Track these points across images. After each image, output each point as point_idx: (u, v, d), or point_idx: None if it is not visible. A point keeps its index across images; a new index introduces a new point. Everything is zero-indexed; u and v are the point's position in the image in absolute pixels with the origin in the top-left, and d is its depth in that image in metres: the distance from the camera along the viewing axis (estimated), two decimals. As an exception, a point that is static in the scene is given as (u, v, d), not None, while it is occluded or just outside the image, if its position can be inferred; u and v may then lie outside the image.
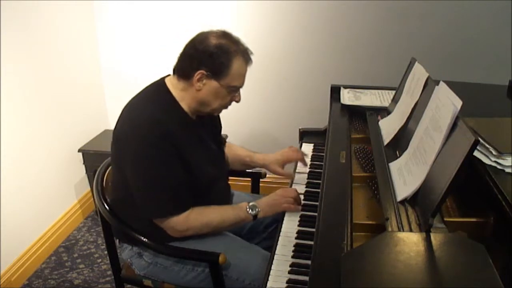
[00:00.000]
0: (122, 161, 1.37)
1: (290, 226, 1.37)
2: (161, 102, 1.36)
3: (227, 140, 2.71)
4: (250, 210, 1.42)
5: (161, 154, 1.29)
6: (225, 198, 1.60)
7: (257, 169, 1.81)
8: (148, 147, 1.29)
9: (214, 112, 1.43)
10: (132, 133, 1.31)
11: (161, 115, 1.32)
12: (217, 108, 1.40)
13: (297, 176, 1.68)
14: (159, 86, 1.40)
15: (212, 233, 1.45)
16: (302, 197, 1.51)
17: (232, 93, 1.38)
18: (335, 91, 1.98)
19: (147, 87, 1.43)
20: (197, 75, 1.31)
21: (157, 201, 1.34)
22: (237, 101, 1.42)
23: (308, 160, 1.77)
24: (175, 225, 1.36)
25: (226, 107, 1.43)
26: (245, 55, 1.35)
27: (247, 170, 1.82)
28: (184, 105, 1.38)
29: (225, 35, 1.35)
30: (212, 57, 1.30)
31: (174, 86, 1.38)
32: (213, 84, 1.33)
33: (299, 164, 1.73)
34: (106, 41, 2.70)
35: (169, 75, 1.43)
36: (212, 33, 1.34)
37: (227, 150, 1.74)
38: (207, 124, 1.51)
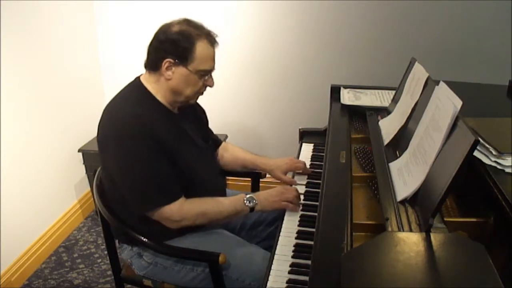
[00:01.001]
0: (107, 162, 1.38)
1: (290, 226, 1.37)
2: (138, 98, 1.38)
3: (227, 140, 2.72)
4: (248, 202, 1.42)
5: (143, 147, 1.30)
6: (218, 196, 1.59)
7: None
8: (129, 142, 1.30)
9: (189, 100, 1.43)
10: (113, 132, 1.33)
11: (139, 110, 1.33)
12: (190, 95, 1.40)
13: (297, 176, 1.68)
14: (134, 84, 1.43)
15: (209, 224, 1.44)
16: (302, 197, 1.51)
17: (203, 78, 1.39)
18: (335, 91, 1.98)
19: (123, 88, 1.45)
20: (165, 64, 1.34)
21: (146, 193, 1.34)
22: (211, 86, 1.42)
23: (308, 160, 1.77)
24: (169, 215, 1.36)
25: (201, 93, 1.44)
26: (209, 37, 1.37)
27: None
28: (161, 98, 1.40)
29: (186, 21, 1.37)
30: (175, 44, 1.32)
31: (147, 81, 1.40)
32: (181, 70, 1.34)
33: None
34: (106, 41, 2.70)
35: (142, 74, 1.45)
36: (174, 22, 1.37)
37: (226, 152, 1.74)
38: (191, 118, 1.52)
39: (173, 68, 1.34)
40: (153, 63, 1.37)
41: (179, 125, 1.44)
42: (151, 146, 1.30)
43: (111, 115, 1.37)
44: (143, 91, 1.39)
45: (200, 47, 1.34)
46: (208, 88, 1.44)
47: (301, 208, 1.45)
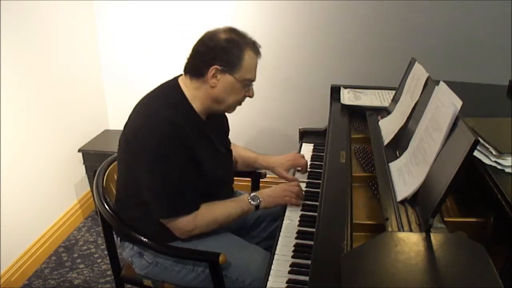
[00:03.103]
0: (134, 161, 1.36)
1: (290, 226, 1.37)
2: (174, 102, 1.36)
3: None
4: (252, 201, 1.43)
5: (175, 155, 1.29)
6: (229, 197, 1.59)
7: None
8: (163, 148, 1.28)
9: (228, 109, 1.43)
10: (146, 134, 1.31)
11: (175, 116, 1.31)
12: (231, 104, 1.39)
13: (297, 174, 1.68)
14: (172, 86, 1.40)
15: (217, 228, 1.45)
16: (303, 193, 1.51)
17: (246, 88, 1.38)
18: (335, 91, 1.98)
19: (160, 86, 1.43)
20: (211, 70, 1.31)
21: (169, 201, 1.34)
22: (251, 96, 1.41)
23: (308, 160, 1.77)
24: (183, 225, 1.36)
25: (240, 104, 1.43)
26: (255, 47, 1.36)
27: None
28: (197, 105, 1.37)
29: (232, 30, 1.36)
30: (225, 51, 1.30)
31: (186, 86, 1.37)
32: (227, 79, 1.33)
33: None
34: (106, 41, 2.70)
35: (181, 75, 1.42)
36: (220, 30, 1.35)
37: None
38: (216, 126, 1.51)
39: (219, 76, 1.32)
40: (197, 69, 1.33)
41: (206, 132, 1.43)
42: (182, 152, 1.30)
43: (145, 116, 1.35)
44: (179, 94, 1.37)
45: (248, 55, 1.33)
46: None
47: (301, 208, 1.45)
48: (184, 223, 1.35)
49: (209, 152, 1.42)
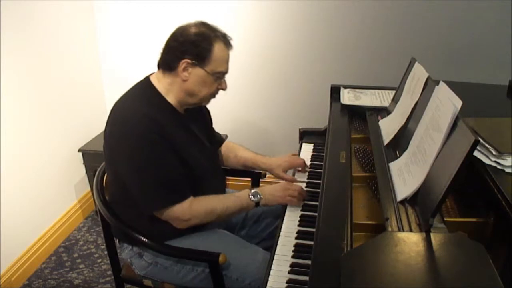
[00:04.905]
0: (115, 161, 1.38)
1: (290, 226, 1.37)
2: (148, 98, 1.38)
3: (227, 139, 2.71)
4: (253, 197, 1.43)
5: (154, 147, 1.30)
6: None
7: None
8: (140, 142, 1.30)
9: (202, 102, 1.44)
10: (123, 131, 1.33)
11: (149, 109, 1.33)
12: (205, 96, 1.41)
13: (297, 174, 1.68)
14: (144, 84, 1.42)
15: (216, 221, 1.45)
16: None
17: (218, 80, 1.39)
18: (335, 91, 1.98)
19: (132, 87, 1.45)
20: (182, 64, 1.33)
21: (156, 193, 1.35)
22: (224, 89, 1.43)
23: (308, 160, 1.77)
24: (179, 214, 1.36)
25: (214, 96, 1.44)
26: (225, 40, 1.38)
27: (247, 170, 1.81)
28: (171, 98, 1.40)
29: (203, 24, 1.38)
30: (194, 44, 1.33)
31: (159, 81, 1.40)
32: (198, 71, 1.35)
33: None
34: (106, 41, 2.70)
35: (153, 73, 1.44)
36: (191, 24, 1.38)
37: (228, 150, 1.74)
38: (196, 119, 1.53)
39: (190, 69, 1.34)
40: (169, 64, 1.36)
41: (186, 125, 1.45)
42: (161, 144, 1.31)
43: (119, 115, 1.37)
44: (152, 90, 1.39)
45: (218, 48, 1.34)
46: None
47: (301, 208, 1.45)
48: (179, 212, 1.36)
49: (192, 144, 1.44)
